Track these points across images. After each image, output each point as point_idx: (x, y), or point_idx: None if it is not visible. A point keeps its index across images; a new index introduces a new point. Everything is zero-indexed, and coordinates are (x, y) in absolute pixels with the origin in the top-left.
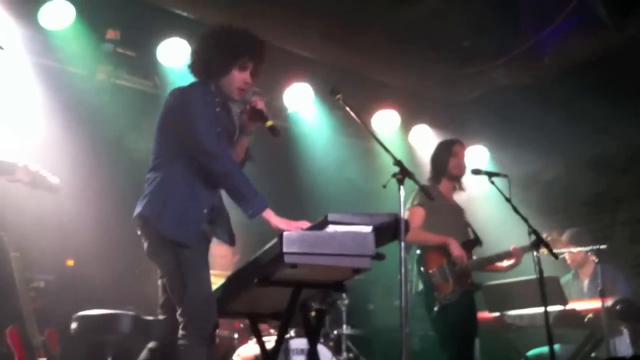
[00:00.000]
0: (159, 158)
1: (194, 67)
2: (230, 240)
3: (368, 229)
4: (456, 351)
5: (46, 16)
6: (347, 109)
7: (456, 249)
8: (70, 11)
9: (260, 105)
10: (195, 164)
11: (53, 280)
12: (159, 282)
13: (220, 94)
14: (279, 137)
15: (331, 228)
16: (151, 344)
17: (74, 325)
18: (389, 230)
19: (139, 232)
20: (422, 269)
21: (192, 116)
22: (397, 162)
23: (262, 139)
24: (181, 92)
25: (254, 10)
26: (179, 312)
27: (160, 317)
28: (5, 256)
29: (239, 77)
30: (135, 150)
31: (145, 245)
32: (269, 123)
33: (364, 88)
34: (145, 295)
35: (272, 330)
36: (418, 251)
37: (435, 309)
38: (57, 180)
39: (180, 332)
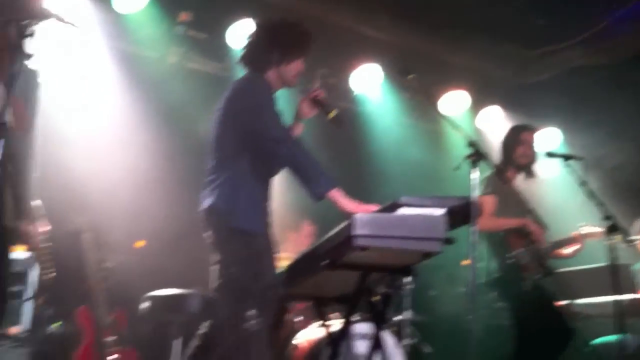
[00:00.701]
0: (224, 150)
1: (250, 56)
2: None
3: (440, 211)
4: (536, 330)
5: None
6: (417, 90)
7: (537, 229)
8: None
9: (321, 95)
10: (257, 156)
11: (123, 261)
12: (212, 267)
13: (279, 82)
14: (343, 128)
15: (402, 211)
16: (202, 330)
17: (143, 305)
18: (460, 214)
19: (206, 223)
20: (505, 251)
21: (257, 106)
22: (472, 143)
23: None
24: (243, 85)
25: None
26: (249, 297)
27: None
28: (78, 237)
29: (296, 67)
30: (204, 131)
31: (212, 236)
32: (332, 114)
33: (433, 69)
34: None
35: (334, 314)
36: (497, 235)
37: (526, 287)
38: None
39: (251, 315)
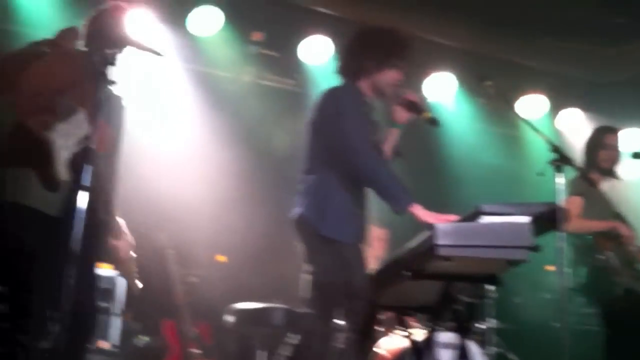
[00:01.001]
0: (313, 160)
1: (347, 66)
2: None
3: (525, 219)
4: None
5: (194, 23)
6: (495, 95)
7: (627, 230)
8: (218, 16)
9: (414, 97)
10: (346, 167)
11: (205, 275)
12: (304, 276)
13: (373, 91)
14: (437, 126)
15: (484, 219)
16: (293, 339)
17: (228, 318)
18: (546, 220)
19: (296, 233)
20: (593, 255)
21: (342, 114)
22: (555, 148)
23: (403, 131)
24: (331, 93)
25: (393, 4)
26: (341, 307)
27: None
28: (162, 253)
29: (393, 76)
30: (280, 148)
31: (302, 245)
32: (427, 114)
33: (509, 73)
34: (294, 290)
35: (414, 324)
36: (585, 238)
37: (617, 292)
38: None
39: (344, 325)
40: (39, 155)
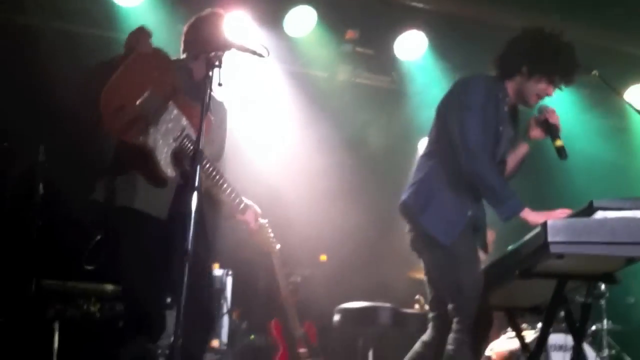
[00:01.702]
0: (432, 145)
1: (504, 61)
2: (483, 247)
3: None
4: None
5: (290, 24)
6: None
7: None
8: (312, 16)
9: (555, 119)
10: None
11: (309, 275)
12: (424, 277)
13: (517, 95)
14: (563, 159)
15: (599, 214)
16: (425, 337)
17: (336, 317)
18: None
19: (403, 218)
20: None
21: (466, 108)
22: None
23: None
24: (465, 81)
25: None
26: (451, 307)
27: (431, 313)
28: (267, 253)
29: (543, 87)
30: (376, 145)
31: (408, 229)
32: (559, 142)
33: (615, 63)
34: (397, 289)
35: (523, 325)
36: None
37: None
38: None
39: (455, 326)
40: (144, 160)
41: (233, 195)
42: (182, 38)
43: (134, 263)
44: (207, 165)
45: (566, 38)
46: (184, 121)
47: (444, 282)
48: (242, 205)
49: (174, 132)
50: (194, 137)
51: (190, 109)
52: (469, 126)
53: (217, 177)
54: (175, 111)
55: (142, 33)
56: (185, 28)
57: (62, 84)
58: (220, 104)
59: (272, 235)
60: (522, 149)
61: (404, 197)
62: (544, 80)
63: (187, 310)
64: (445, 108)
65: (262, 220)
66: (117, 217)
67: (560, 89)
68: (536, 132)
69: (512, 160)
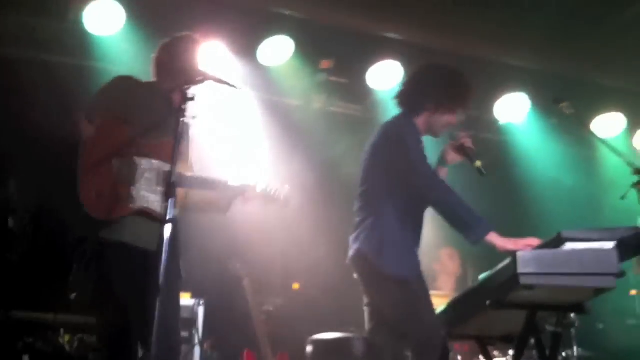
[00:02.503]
0: (370, 191)
1: (406, 97)
2: None
3: (610, 245)
4: None
5: (264, 53)
6: (571, 116)
7: None
8: (289, 45)
9: (469, 143)
10: (405, 200)
11: (281, 304)
12: (365, 308)
13: (426, 128)
14: (482, 176)
15: (568, 245)
16: None
17: (308, 348)
18: (631, 245)
19: (354, 272)
20: None
21: (410, 150)
22: (637, 171)
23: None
24: (394, 126)
25: (466, 24)
26: (408, 340)
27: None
28: (239, 282)
29: (448, 119)
30: (349, 174)
31: (361, 280)
32: (478, 163)
33: (583, 93)
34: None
35: (494, 352)
36: None
37: None
38: (287, 189)
39: (412, 358)
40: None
41: (220, 188)
42: (156, 60)
43: (111, 296)
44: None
45: (456, 69)
46: (154, 163)
47: (400, 316)
48: (237, 190)
49: (154, 178)
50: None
51: (158, 144)
52: (416, 164)
53: (197, 183)
54: (144, 161)
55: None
56: (158, 49)
57: (39, 113)
58: (187, 125)
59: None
60: (442, 173)
61: (357, 246)
62: (449, 113)
63: (158, 339)
64: (379, 159)
65: (259, 187)
66: (101, 249)
67: (460, 116)
68: (453, 157)
69: None
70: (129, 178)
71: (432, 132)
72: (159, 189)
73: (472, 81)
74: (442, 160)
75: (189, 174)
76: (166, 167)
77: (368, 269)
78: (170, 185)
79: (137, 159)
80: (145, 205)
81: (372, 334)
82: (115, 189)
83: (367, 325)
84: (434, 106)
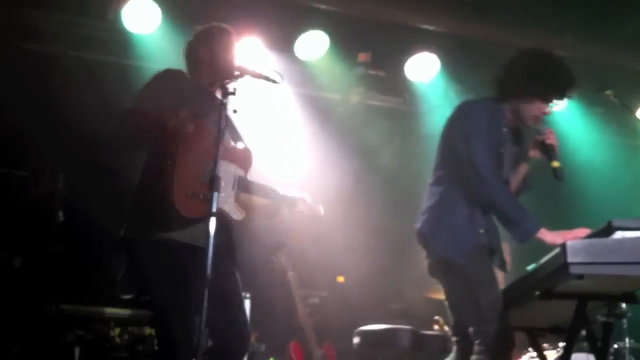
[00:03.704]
0: (439, 171)
1: (500, 83)
2: (502, 267)
3: None
4: None
5: (302, 48)
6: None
7: None
8: (324, 39)
9: (552, 140)
10: (467, 183)
11: (326, 296)
12: (445, 302)
13: (515, 116)
14: (560, 180)
15: (618, 234)
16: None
17: (355, 339)
18: None
19: (422, 247)
20: None
21: (471, 134)
22: None
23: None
24: (467, 106)
25: (500, 14)
26: (471, 329)
27: (454, 337)
28: (284, 276)
29: (540, 108)
30: (389, 167)
31: (427, 261)
32: (555, 164)
33: (628, 81)
34: (415, 310)
35: (544, 345)
36: None
37: None
38: (322, 211)
39: (476, 347)
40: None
41: (274, 197)
42: (192, 53)
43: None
44: (237, 190)
45: (559, 55)
46: (231, 167)
47: (463, 305)
48: (288, 201)
49: (230, 183)
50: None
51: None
52: (477, 152)
53: (250, 188)
54: (222, 165)
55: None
56: (194, 42)
57: (80, 110)
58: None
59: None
60: (522, 169)
61: (417, 225)
62: (539, 101)
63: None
64: (450, 134)
65: (306, 202)
66: (151, 247)
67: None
68: (534, 153)
69: (514, 180)
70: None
71: (521, 120)
72: (232, 192)
73: (572, 72)
74: (524, 156)
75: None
76: (239, 171)
77: (427, 248)
78: (213, 179)
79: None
80: (224, 208)
81: (454, 329)
82: (204, 188)
83: (450, 320)
84: (523, 92)
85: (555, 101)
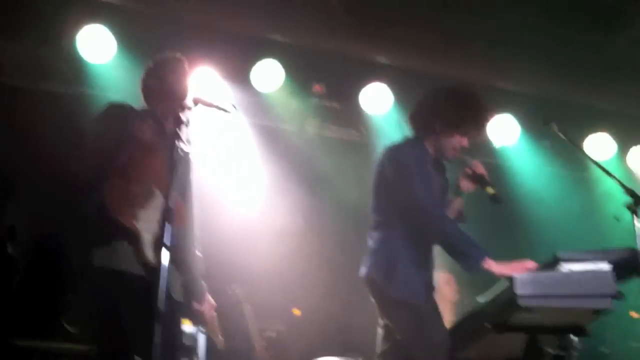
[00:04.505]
0: (378, 216)
1: (417, 121)
2: None
3: (606, 266)
4: None
5: (258, 79)
6: (561, 138)
7: None
8: (279, 71)
9: (481, 170)
10: (412, 224)
11: (283, 329)
12: (378, 330)
13: (436, 152)
14: (498, 203)
15: (564, 267)
16: None
17: None
18: (627, 266)
19: (368, 291)
20: None
21: (409, 175)
22: (630, 192)
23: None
24: (396, 150)
25: (456, 48)
26: None
27: None
28: (240, 307)
29: (458, 141)
30: (346, 199)
31: (376, 303)
32: (491, 190)
33: (573, 115)
34: (372, 342)
35: None
36: None
37: None
38: None
39: None
40: (129, 240)
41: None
42: (143, 84)
43: (111, 323)
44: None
45: (469, 91)
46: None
47: (415, 342)
48: (202, 292)
49: (156, 220)
50: None
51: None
52: (417, 189)
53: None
54: (160, 199)
55: None
56: (145, 73)
57: (37, 140)
58: (186, 155)
59: (219, 329)
60: (457, 203)
61: (365, 271)
62: (457, 134)
63: None
64: (385, 180)
65: (214, 314)
66: (95, 277)
67: (472, 138)
68: (467, 185)
69: (450, 214)
70: (145, 198)
71: (442, 154)
72: (152, 227)
73: (484, 103)
74: (457, 190)
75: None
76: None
77: (377, 293)
78: (167, 211)
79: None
80: (139, 235)
81: (384, 356)
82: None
83: (379, 347)
84: (442, 127)
85: (471, 133)
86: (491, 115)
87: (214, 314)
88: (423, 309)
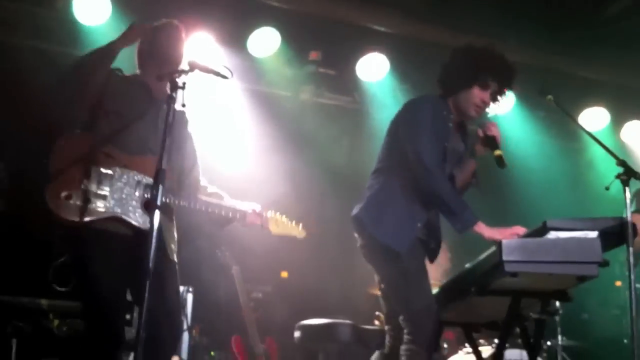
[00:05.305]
0: (382, 162)
1: (441, 82)
2: (431, 258)
3: (593, 234)
4: None
5: (254, 44)
6: (557, 109)
7: None
8: (276, 37)
9: (494, 131)
10: (411, 174)
11: (270, 291)
12: (379, 292)
13: (457, 110)
14: (502, 167)
15: (552, 234)
16: (384, 349)
17: (296, 334)
18: (614, 235)
19: (355, 233)
20: None
21: (418, 126)
22: (621, 163)
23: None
24: (413, 102)
25: (454, 16)
26: (401, 318)
27: (387, 326)
28: (228, 270)
29: (478, 95)
30: (338, 163)
31: (360, 244)
32: (498, 152)
33: (569, 86)
34: (357, 305)
35: (480, 341)
36: None
37: None
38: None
39: (405, 337)
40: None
41: (223, 212)
42: (137, 49)
43: (100, 282)
44: (183, 203)
45: (492, 47)
46: (136, 176)
47: (395, 293)
48: (238, 215)
49: (133, 193)
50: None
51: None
52: (422, 145)
53: (198, 206)
54: (125, 175)
55: None
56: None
57: (26, 99)
58: (182, 114)
59: (287, 221)
60: (470, 165)
61: (355, 211)
62: (476, 86)
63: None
64: (396, 128)
65: (268, 214)
66: (83, 236)
67: (500, 96)
68: (480, 148)
69: (461, 175)
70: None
71: (464, 112)
72: (138, 205)
73: (500, 52)
74: (471, 152)
75: (203, 197)
76: (146, 179)
77: (364, 235)
78: (159, 172)
79: (117, 169)
80: (120, 212)
81: (386, 317)
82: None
83: (383, 307)
84: (459, 80)
85: (493, 87)
86: (511, 66)
87: (269, 215)
88: (406, 259)
